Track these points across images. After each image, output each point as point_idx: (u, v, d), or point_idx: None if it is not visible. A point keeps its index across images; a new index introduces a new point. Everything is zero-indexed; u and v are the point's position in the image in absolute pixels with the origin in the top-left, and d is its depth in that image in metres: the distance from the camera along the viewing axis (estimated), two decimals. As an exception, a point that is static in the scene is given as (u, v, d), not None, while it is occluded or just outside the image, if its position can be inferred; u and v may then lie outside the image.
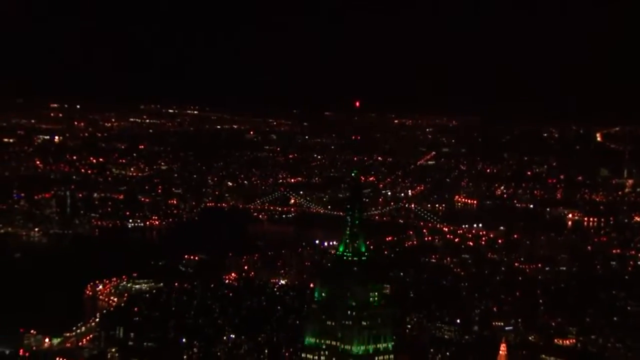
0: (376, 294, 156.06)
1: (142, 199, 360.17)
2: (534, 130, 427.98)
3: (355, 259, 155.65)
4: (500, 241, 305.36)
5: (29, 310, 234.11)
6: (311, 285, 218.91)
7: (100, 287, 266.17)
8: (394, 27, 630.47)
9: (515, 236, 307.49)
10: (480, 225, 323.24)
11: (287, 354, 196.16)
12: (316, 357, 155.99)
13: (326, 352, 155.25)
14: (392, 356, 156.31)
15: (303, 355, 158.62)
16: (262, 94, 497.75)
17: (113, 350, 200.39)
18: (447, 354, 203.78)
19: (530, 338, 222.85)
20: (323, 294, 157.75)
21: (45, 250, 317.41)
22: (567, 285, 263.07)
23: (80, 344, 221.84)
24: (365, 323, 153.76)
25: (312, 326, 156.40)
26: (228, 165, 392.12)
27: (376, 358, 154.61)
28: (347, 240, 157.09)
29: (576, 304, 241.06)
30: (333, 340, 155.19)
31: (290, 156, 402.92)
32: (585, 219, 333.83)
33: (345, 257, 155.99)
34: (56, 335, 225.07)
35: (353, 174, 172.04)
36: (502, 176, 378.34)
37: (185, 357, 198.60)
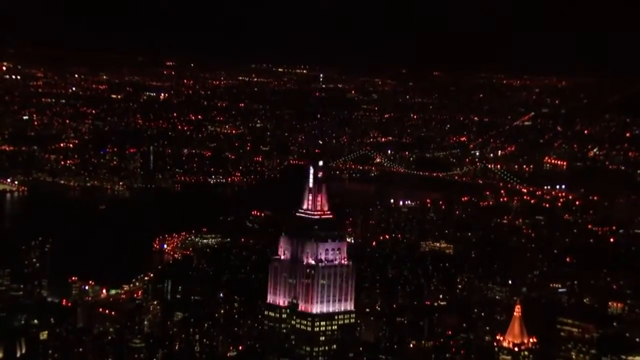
0: (337, 251, 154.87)
1: (229, 156, 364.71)
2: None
3: (316, 217, 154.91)
4: (577, 203, 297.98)
5: (97, 260, 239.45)
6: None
7: (168, 241, 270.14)
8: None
9: (595, 198, 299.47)
10: (563, 186, 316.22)
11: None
12: (277, 315, 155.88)
13: (287, 311, 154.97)
14: (353, 316, 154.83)
15: (265, 312, 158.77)
16: (375, 55, 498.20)
17: (155, 302, 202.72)
18: (482, 314, 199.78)
19: (584, 300, 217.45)
20: (285, 252, 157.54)
21: (128, 204, 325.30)
22: (638, 248, 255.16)
23: (135, 295, 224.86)
24: (324, 282, 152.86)
25: (274, 284, 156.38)
26: (322, 124, 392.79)
27: (336, 317, 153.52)
28: (310, 199, 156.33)
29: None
30: (294, 299, 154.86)
31: (386, 115, 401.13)
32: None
33: (306, 215, 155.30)
34: (114, 286, 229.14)
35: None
36: (599, 137, 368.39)
37: (222, 311, 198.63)
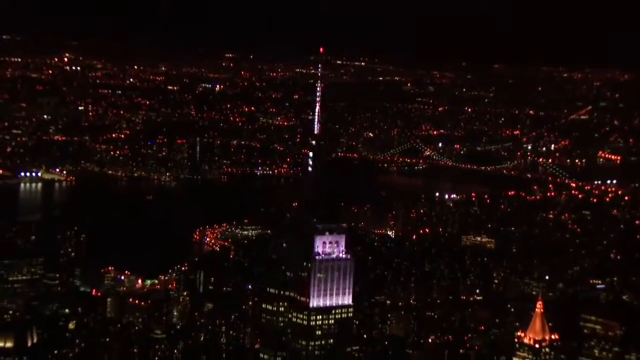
0: (335, 245, 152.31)
1: (277, 147, 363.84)
2: None
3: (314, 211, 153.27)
4: (626, 198, 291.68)
5: (136, 250, 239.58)
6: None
7: (209, 231, 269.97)
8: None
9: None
10: (614, 181, 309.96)
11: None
12: (275, 308, 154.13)
13: (285, 304, 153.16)
14: (351, 310, 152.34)
15: (264, 305, 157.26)
16: (437, 47, 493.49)
17: (185, 293, 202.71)
18: (513, 309, 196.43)
19: (623, 297, 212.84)
20: (283, 245, 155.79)
21: (173, 194, 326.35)
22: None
23: (169, 286, 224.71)
24: (321, 275, 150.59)
25: (273, 277, 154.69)
26: (374, 116, 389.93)
27: (333, 311, 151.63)
28: (307, 194, 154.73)
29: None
30: (292, 292, 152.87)
31: (440, 108, 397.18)
32: None
33: (305, 209, 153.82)
34: (149, 277, 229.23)
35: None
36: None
37: (250, 303, 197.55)
